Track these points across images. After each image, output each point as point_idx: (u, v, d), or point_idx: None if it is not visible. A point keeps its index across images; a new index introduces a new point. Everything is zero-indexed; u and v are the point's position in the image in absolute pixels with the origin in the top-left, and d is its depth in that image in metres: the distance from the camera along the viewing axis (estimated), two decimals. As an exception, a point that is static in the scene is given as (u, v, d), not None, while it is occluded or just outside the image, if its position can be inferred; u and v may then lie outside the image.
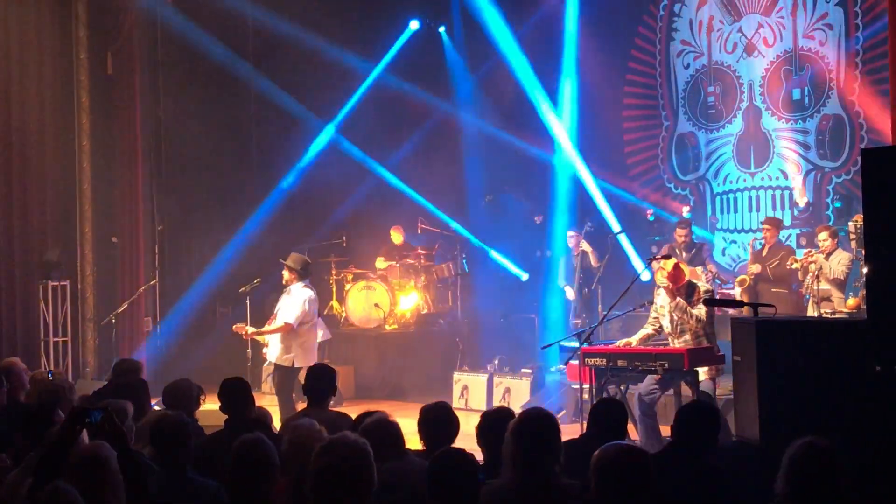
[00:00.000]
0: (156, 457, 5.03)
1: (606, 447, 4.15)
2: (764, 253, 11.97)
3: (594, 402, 7.07)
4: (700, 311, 8.56)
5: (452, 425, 5.40)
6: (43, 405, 5.55)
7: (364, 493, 3.79)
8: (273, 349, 10.01)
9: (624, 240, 13.11)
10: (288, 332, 9.83)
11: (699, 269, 11.70)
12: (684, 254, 12.13)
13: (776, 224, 12.24)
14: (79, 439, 4.48)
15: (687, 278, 8.83)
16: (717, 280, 12.28)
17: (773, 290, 11.50)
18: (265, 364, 11.82)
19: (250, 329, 10.22)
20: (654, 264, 9.28)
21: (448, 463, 4.28)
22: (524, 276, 14.74)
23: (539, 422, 4.49)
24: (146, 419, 6.04)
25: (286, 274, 10.11)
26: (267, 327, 10.12)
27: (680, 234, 12.44)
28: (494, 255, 14.99)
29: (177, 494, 4.69)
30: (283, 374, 9.89)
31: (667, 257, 9.72)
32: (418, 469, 4.80)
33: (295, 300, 9.92)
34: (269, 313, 10.54)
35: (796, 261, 11.44)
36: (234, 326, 10.39)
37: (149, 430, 5.17)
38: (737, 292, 11.85)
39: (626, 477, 4.00)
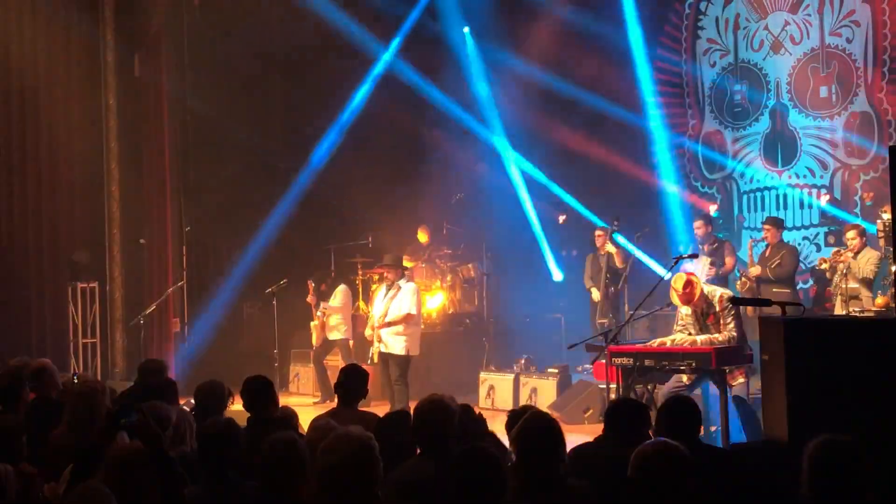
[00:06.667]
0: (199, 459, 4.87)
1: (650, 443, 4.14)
2: (766, 253, 11.82)
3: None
4: (730, 332, 8.36)
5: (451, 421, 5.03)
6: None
7: (369, 489, 3.83)
8: (393, 342, 10.70)
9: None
10: (409, 321, 10.72)
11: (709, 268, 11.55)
12: (705, 246, 12.04)
13: (777, 224, 12.06)
14: (115, 439, 4.50)
15: (700, 292, 8.44)
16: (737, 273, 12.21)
17: (774, 289, 11.25)
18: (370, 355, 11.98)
19: (376, 324, 10.82)
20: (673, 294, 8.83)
21: (474, 459, 4.11)
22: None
23: (538, 427, 4.44)
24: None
25: (390, 274, 10.98)
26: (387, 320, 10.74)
27: (698, 227, 12.28)
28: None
29: (219, 497, 4.58)
30: (404, 363, 10.74)
31: (693, 256, 9.68)
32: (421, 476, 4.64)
33: (408, 293, 10.79)
34: (298, 315, 10.63)
35: (825, 261, 11.37)
36: (369, 329, 10.99)
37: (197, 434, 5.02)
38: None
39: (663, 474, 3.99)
